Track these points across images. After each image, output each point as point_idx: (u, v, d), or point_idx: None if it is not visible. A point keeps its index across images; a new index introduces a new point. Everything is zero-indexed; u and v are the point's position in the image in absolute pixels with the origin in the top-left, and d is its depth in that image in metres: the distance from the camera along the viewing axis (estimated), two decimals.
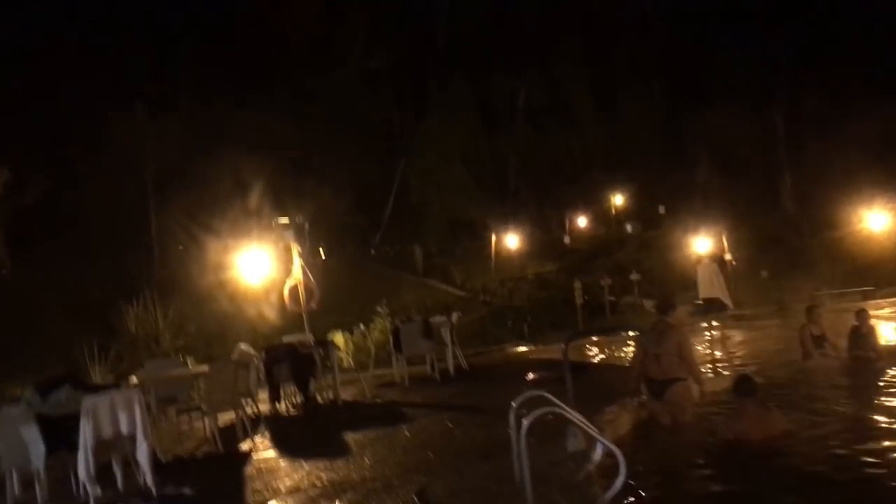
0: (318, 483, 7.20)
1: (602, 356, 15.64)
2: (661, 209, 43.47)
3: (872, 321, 11.04)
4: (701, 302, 17.14)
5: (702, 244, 29.41)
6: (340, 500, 6.54)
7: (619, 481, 5.46)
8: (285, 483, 7.36)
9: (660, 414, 8.05)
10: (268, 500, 6.90)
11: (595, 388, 9.83)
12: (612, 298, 27.22)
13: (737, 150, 39.38)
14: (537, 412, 5.55)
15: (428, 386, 12.67)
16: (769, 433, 7.11)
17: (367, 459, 7.87)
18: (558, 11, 43.17)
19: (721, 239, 28.31)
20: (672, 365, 8.03)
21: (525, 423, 5.50)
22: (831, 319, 16.66)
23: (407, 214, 41.44)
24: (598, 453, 6.24)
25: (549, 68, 44.69)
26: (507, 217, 37.99)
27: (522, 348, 19.23)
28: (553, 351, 16.72)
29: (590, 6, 43.27)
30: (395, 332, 13.48)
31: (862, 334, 10.97)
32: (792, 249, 31.83)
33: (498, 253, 35.85)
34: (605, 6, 43.14)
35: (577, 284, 25.32)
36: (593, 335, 10.37)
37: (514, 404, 6.17)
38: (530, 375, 12.32)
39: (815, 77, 37.81)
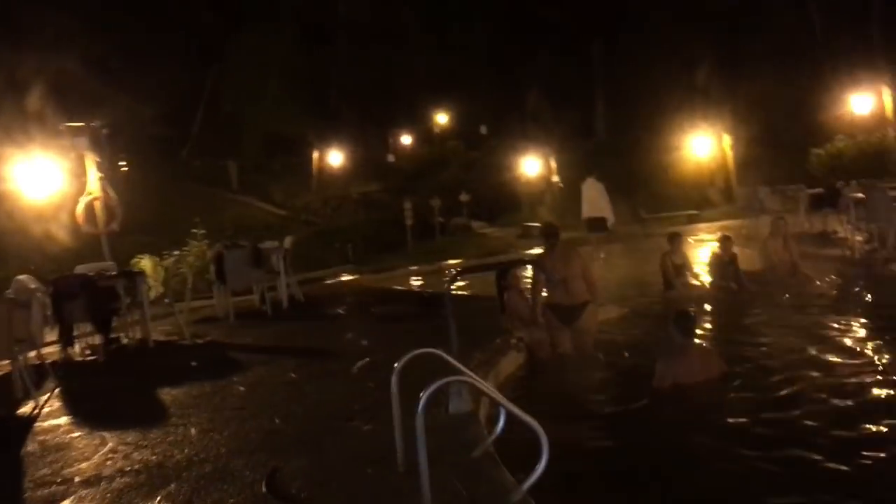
0: (128, 467, 5.30)
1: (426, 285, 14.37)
2: (483, 129, 42.95)
3: (735, 248, 10.31)
4: (586, 221, 16.15)
5: (531, 166, 28.99)
6: (161, 495, 4.73)
7: (541, 466, 4.01)
8: (81, 467, 5.40)
9: (563, 342, 7.54)
10: (57, 495, 4.95)
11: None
12: (441, 219, 26.16)
13: (560, 79, 39.39)
14: (436, 384, 3.93)
15: (259, 322, 10.80)
16: (710, 375, 6.12)
17: (192, 429, 6.01)
18: None
19: (548, 161, 27.93)
20: (580, 289, 7.56)
21: (423, 398, 3.88)
22: (660, 244, 16.51)
23: (220, 128, 38.00)
24: (500, 426, 4.83)
25: None
26: (330, 134, 35.83)
27: (350, 276, 17.13)
28: (389, 279, 15.28)
29: None
30: (218, 259, 11.41)
31: (723, 262, 10.28)
32: (611, 174, 32.09)
33: (320, 171, 33.74)
34: None
35: (408, 205, 24.00)
36: (478, 272, 8.86)
37: (397, 366, 4.57)
38: (376, 309, 10.82)
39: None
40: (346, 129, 38.10)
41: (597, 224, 16.57)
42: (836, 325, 7.88)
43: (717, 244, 10.46)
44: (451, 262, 16.21)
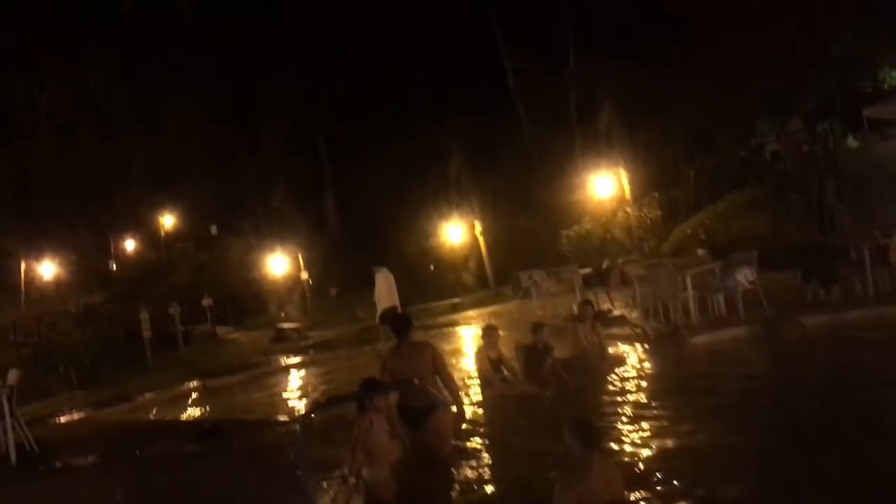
0: None
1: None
2: (214, 229, 40.37)
3: (546, 334, 9.50)
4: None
5: (278, 263, 27.22)
6: None
7: None
8: None
9: (416, 446, 6.50)
10: None
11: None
12: (184, 328, 23.40)
13: (287, 171, 38.39)
14: None
15: None
16: (615, 496, 4.94)
17: None
18: (88, 11, 37.26)
19: (297, 258, 26.38)
20: (424, 391, 6.56)
21: None
22: (440, 335, 15.68)
23: None
24: None
25: (78, 71, 38.55)
26: (37, 242, 31.31)
27: (83, 411, 12.83)
28: (134, 409, 12.65)
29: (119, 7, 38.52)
30: None
31: (537, 352, 9.42)
32: (354, 265, 31.26)
33: (29, 284, 29.13)
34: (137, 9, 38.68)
35: (144, 315, 21.11)
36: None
37: None
38: (146, 451, 8.47)
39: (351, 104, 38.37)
40: (57, 236, 33.60)
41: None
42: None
43: (530, 333, 9.59)
44: (204, 380, 13.87)
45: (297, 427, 4.50)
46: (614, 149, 19.51)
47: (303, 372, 14.21)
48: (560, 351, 9.64)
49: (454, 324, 16.51)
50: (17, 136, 36.33)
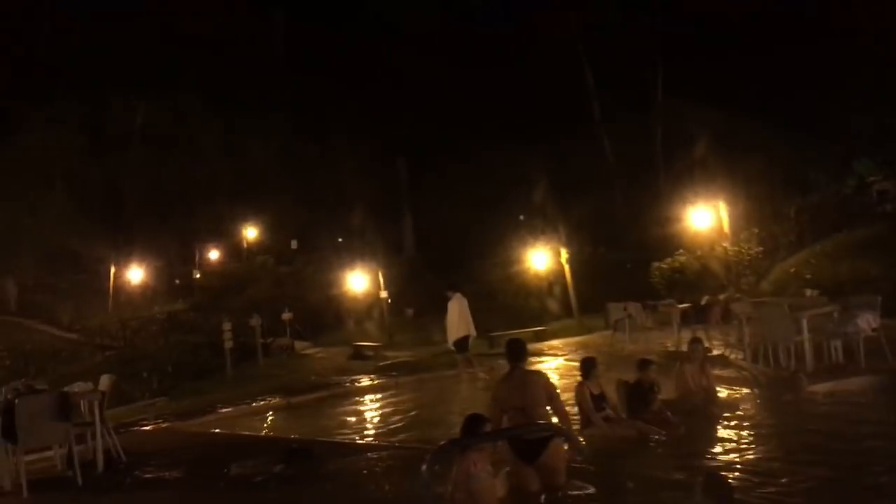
0: None
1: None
2: (294, 244, 40.80)
3: (654, 372, 8.88)
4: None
5: (358, 281, 27.07)
6: None
7: None
8: None
9: (529, 479, 6.15)
10: None
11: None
12: (265, 341, 23.37)
13: (366, 191, 38.56)
14: None
15: (65, 496, 7.87)
16: None
17: None
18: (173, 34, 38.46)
19: (378, 275, 26.19)
20: (542, 419, 6.39)
21: None
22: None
23: None
24: None
25: (169, 90, 39.90)
26: (127, 250, 32.08)
27: (165, 421, 12.79)
28: (220, 421, 12.42)
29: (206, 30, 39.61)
30: (7, 411, 8.37)
31: (643, 391, 8.78)
32: (430, 288, 30.91)
33: (117, 289, 29.74)
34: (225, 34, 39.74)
35: (227, 325, 21.09)
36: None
37: None
38: (233, 469, 8.18)
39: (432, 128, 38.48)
40: (145, 244, 34.39)
41: (463, 342, 14.77)
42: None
43: (636, 369, 8.98)
44: (287, 397, 13.59)
45: (425, 470, 4.05)
46: (713, 182, 18.72)
47: (386, 393, 13.79)
48: (662, 391, 9.01)
49: (538, 353, 15.89)
50: (113, 149, 37.47)
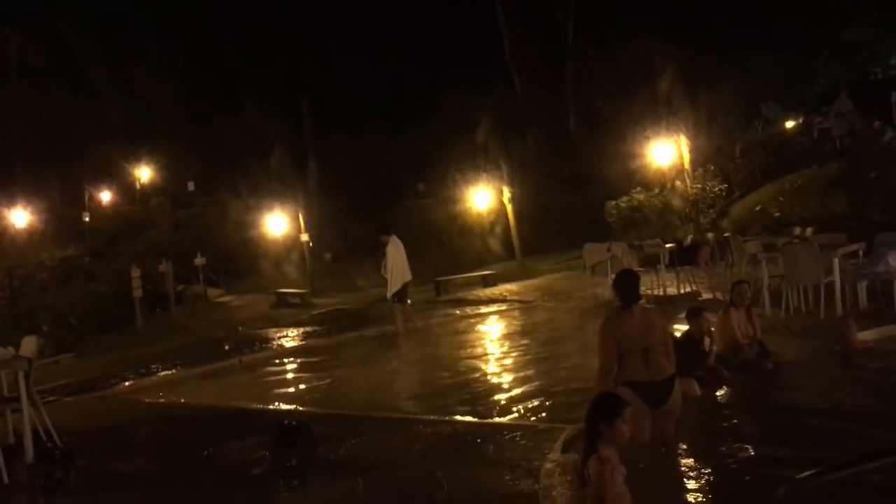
0: None
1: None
2: (191, 185, 37.59)
3: (708, 322, 7.52)
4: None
5: (277, 223, 24.68)
6: None
7: None
8: None
9: (644, 431, 5.23)
10: None
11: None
12: (178, 288, 20.93)
13: (268, 133, 35.95)
14: None
15: None
16: None
17: None
18: None
19: (298, 217, 23.93)
20: (663, 362, 5.47)
21: None
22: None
23: None
24: None
25: (46, 17, 35.69)
26: (9, 190, 28.34)
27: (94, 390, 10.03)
28: (159, 384, 10.17)
29: None
30: None
31: (695, 343, 7.41)
32: (348, 231, 28.88)
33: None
34: None
35: (136, 272, 18.59)
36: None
37: None
38: (212, 455, 6.19)
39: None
40: (27, 185, 30.61)
41: (403, 291, 12.90)
42: None
43: (687, 319, 7.57)
44: (239, 355, 11.42)
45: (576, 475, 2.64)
46: (675, 116, 17.57)
47: (341, 351, 11.49)
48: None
49: (498, 299, 14.42)
50: None
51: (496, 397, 7.51)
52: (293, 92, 38.70)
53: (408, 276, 12.58)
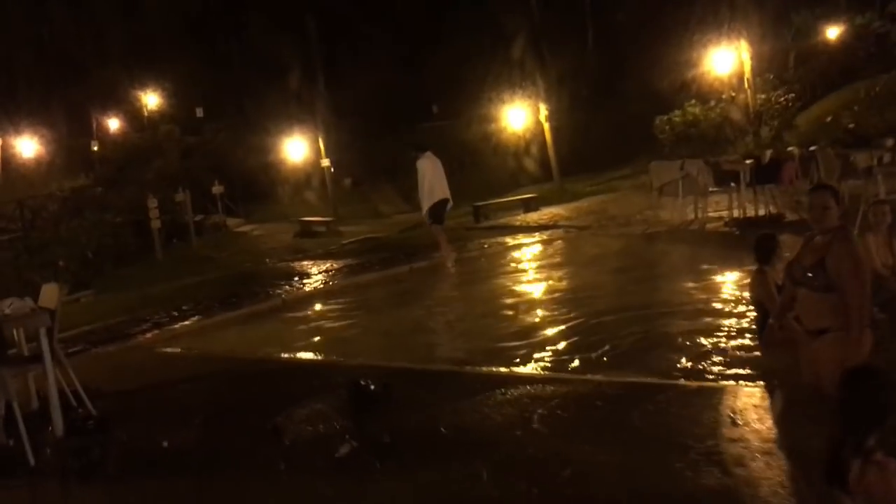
0: None
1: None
2: (199, 112, 35.81)
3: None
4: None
5: (296, 148, 23.22)
6: None
7: None
8: None
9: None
10: None
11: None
12: (197, 218, 19.63)
13: (276, 56, 33.96)
14: None
15: (9, 489, 4.57)
16: None
17: None
18: None
19: (318, 142, 22.43)
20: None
21: None
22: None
23: None
24: None
25: None
26: (14, 119, 26.68)
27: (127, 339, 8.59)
28: (188, 329, 8.84)
29: None
30: None
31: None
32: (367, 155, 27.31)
33: (6, 164, 24.66)
34: None
35: (153, 202, 17.28)
36: None
37: None
38: (281, 425, 4.96)
39: None
40: (34, 113, 28.93)
41: (439, 208, 11.41)
42: None
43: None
44: (282, 295, 10.12)
45: None
46: (735, 20, 15.75)
47: (402, 286, 9.92)
48: None
49: (549, 225, 13.03)
50: None
51: (610, 345, 5.97)
52: (299, 11, 36.57)
53: (446, 194, 11.20)
